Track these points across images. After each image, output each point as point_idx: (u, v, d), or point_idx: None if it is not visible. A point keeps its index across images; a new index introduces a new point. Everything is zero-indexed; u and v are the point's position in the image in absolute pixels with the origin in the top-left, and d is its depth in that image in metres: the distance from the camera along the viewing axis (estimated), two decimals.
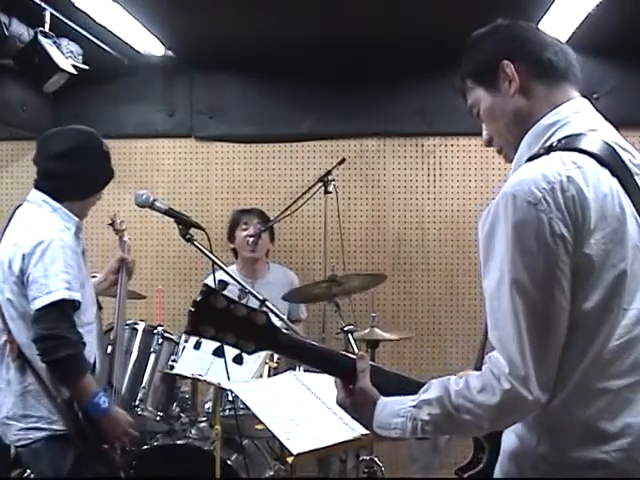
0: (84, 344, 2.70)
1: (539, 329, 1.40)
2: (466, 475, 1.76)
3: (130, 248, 3.39)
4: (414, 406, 1.50)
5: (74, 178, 2.85)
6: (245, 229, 4.33)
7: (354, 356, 1.62)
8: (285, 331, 1.55)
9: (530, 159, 1.51)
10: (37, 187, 2.88)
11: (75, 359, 2.68)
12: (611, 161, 1.49)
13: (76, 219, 2.87)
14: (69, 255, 2.73)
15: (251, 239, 4.18)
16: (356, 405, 1.60)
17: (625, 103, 4.63)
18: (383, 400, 1.57)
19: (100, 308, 3.03)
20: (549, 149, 1.49)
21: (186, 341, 3.56)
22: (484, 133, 1.69)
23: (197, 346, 3.34)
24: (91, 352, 2.82)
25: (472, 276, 5.04)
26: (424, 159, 5.11)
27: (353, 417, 1.63)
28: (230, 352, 1.55)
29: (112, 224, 3.40)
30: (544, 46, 1.61)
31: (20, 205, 2.89)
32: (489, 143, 1.69)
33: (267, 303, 1.70)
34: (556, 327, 1.41)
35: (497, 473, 1.59)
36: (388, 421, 1.54)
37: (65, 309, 2.68)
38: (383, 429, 1.55)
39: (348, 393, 1.61)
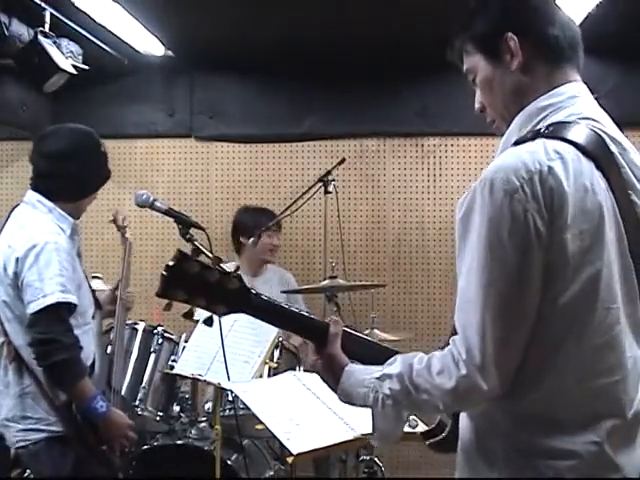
0: (80, 347, 2.69)
1: (504, 323, 1.38)
2: (428, 442, 1.72)
3: (132, 246, 3.39)
4: (378, 378, 1.51)
5: (69, 178, 2.82)
6: (269, 236, 4.41)
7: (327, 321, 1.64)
8: (257, 293, 1.57)
9: (516, 143, 1.47)
10: (32, 187, 2.86)
11: (71, 363, 2.66)
12: (597, 153, 1.45)
13: (71, 220, 2.84)
14: (63, 257, 2.71)
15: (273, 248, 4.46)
16: (324, 370, 1.60)
17: (625, 103, 4.62)
18: (351, 368, 1.57)
19: (100, 308, 3.02)
20: (536, 135, 1.45)
21: (186, 341, 3.56)
22: (477, 100, 1.64)
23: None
24: (89, 353, 2.81)
25: None
26: (424, 159, 5.11)
27: (323, 381, 1.64)
28: (202, 314, 1.60)
29: (114, 221, 3.38)
30: (551, 21, 1.55)
31: (17, 205, 2.87)
32: (481, 111, 1.64)
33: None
34: (522, 322, 1.39)
35: (463, 469, 1.56)
36: (352, 390, 1.54)
37: (60, 312, 2.66)
38: (346, 397, 1.56)
39: (319, 357, 1.61)
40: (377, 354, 1.61)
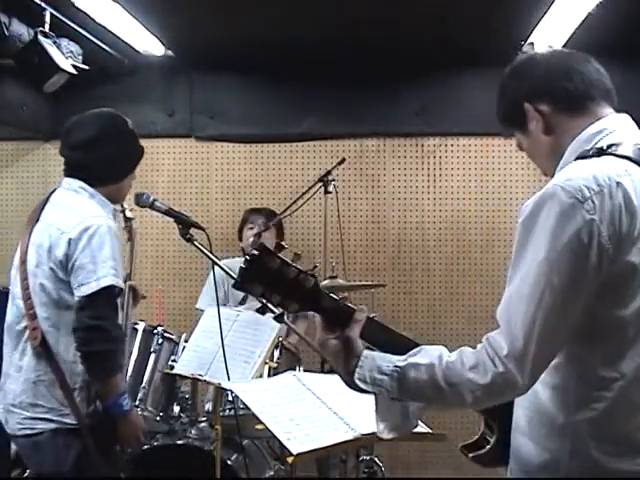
0: (123, 341, 2.66)
1: (553, 321, 1.42)
2: (471, 455, 1.74)
3: (137, 235, 3.40)
4: (401, 367, 1.50)
5: (103, 164, 2.80)
6: (251, 228, 4.39)
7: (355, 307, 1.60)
8: (331, 296, 1.57)
9: (579, 158, 1.54)
10: (69, 175, 2.82)
11: (111, 354, 2.63)
12: None
13: (112, 206, 2.84)
14: (115, 242, 2.69)
15: (252, 239, 4.21)
16: (339, 352, 1.55)
17: (625, 103, 4.61)
18: (369, 354, 1.55)
19: None
20: (600, 152, 1.53)
21: (186, 341, 3.56)
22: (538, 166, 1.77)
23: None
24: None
25: (472, 276, 5.04)
26: (424, 159, 5.12)
27: (330, 363, 1.60)
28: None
29: (123, 212, 3.41)
30: (558, 76, 1.65)
31: (54, 190, 2.83)
32: (545, 174, 1.74)
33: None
34: (566, 325, 1.45)
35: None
36: (371, 375, 1.52)
37: (112, 298, 2.64)
38: (364, 382, 1.52)
39: (332, 335, 1.56)
40: (396, 343, 1.61)
